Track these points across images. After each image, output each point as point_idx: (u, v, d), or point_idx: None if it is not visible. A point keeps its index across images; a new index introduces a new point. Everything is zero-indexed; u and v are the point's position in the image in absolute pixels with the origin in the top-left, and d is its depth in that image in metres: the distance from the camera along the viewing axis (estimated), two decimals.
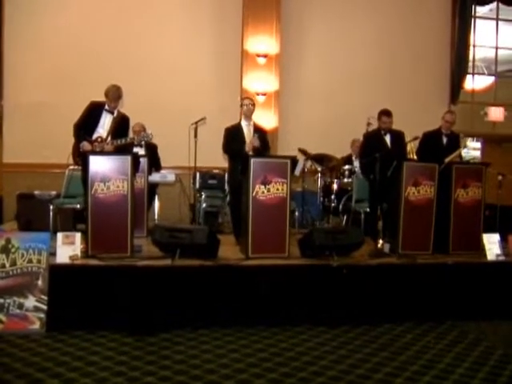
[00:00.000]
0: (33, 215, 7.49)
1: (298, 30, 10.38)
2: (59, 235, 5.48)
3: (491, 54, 12.09)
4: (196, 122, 7.42)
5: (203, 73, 9.91)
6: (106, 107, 6.33)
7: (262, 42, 9.74)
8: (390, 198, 6.71)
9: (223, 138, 7.08)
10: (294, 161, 6.29)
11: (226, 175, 8.18)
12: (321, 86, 10.56)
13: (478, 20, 11.91)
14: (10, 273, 5.16)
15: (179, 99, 9.64)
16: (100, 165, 5.70)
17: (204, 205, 7.98)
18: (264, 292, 5.59)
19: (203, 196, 8.00)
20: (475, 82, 12.03)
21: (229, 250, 6.25)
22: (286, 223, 6.04)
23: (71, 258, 5.41)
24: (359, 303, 5.78)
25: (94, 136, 6.25)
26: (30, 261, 5.19)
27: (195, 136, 7.38)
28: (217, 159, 8.68)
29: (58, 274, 5.28)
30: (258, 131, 7.03)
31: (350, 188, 8.52)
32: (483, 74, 12.21)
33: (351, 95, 10.59)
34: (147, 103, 8.97)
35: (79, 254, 5.47)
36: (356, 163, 8.88)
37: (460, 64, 11.31)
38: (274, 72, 9.83)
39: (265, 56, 9.70)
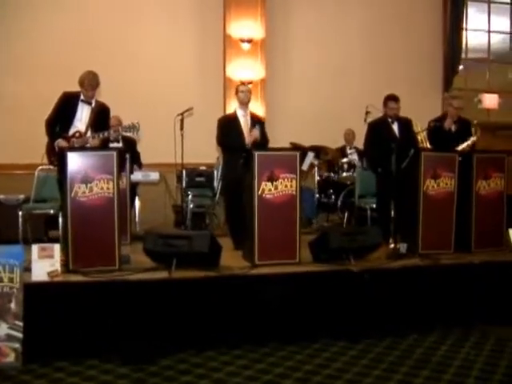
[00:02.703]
0: None
1: (284, 13, 9.61)
2: (34, 248, 4.62)
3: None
4: (182, 113, 6.62)
5: (183, 60, 9.05)
6: (82, 97, 5.49)
7: (246, 27, 8.96)
8: (405, 193, 6.01)
9: (217, 129, 6.30)
10: (303, 153, 5.54)
11: (216, 172, 7.39)
12: (310, 74, 9.79)
13: (470, 3, 11.36)
14: None
15: (159, 90, 8.77)
16: (80, 163, 4.85)
17: (191, 205, 7.15)
18: (276, 304, 4.87)
19: (190, 195, 7.17)
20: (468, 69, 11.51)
21: (228, 257, 5.45)
22: (297, 224, 5.30)
23: (50, 274, 4.57)
24: (382, 312, 5.09)
25: (71, 131, 5.40)
26: (1, 280, 4.36)
27: (181, 128, 6.58)
28: (202, 154, 7.88)
29: (35, 294, 4.44)
30: (257, 121, 6.26)
31: (348, 182, 7.82)
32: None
33: (342, 83, 9.88)
34: (124, 94, 8.07)
35: (59, 269, 4.62)
36: (353, 155, 8.20)
37: (453, 49, 10.74)
38: (260, 59, 9.05)
39: (249, 41, 8.92)
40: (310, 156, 7.47)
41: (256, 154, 5.15)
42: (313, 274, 5.05)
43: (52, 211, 6.20)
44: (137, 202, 7.53)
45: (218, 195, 7.36)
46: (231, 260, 5.39)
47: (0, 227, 6.54)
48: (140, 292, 4.62)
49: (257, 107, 8.75)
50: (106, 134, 5.31)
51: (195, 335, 4.63)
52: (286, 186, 5.22)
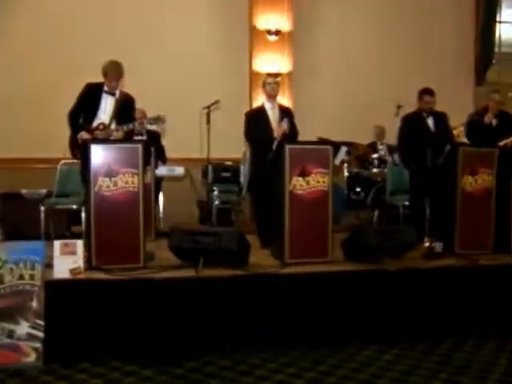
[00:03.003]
0: (20, 218, 6.45)
1: (311, 5, 9.33)
2: (57, 244, 4.43)
3: None
4: (208, 107, 6.41)
5: (209, 52, 8.80)
6: (106, 88, 5.30)
7: (273, 19, 8.70)
8: (441, 190, 5.74)
9: (245, 123, 6.08)
10: (336, 148, 5.30)
11: (242, 167, 7.17)
12: (338, 67, 9.52)
13: None
14: None
15: (183, 82, 8.55)
16: (104, 156, 4.66)
17: (216, 201, 6.94)
18: (307, 305, 4.64)
19: (215, 191, 6.95)
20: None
21: (255, 255, 5.22)
22: (329, 221, 5.06)
23: (72, 271, 4.38)
24: (417, 314, 4.84)
25: (95, 123, 5.22)
26: (22, 277, 4.17)
27: (207, 122, 6.39)
28: (228, 149, 7.66)
29: (57, 292, 4.26)
30: (286, 113, 6.02)
31: (379, 179, 7.55)
32: None
33: (371, 77, 9.57)
34: (148, 87, 7.83)
35: (82, 266, 4.43)
36: (383, 151, 7.93)
37: (486, 43, 10.39)
38: (287, 51, 8.78)
39: (276, 33, 8.66)
40: (343, 151, 7.22)
41: (287, 147, 4.93)
42: (346, 274, 4.82)
43: (75, 206, 6.02)
44: (161, 198, 7.33)
45: (244, 191, 7.13)
46: (259, 258, 5.18)
47: (21, 222, 6.39)
48: (166, 291, 4.42)
49: (283, 101, 8.46)
50: (130, 126, 5.13)
51: (223, 336, 4.42)
52: (318, 181, 4.99)
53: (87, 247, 4.66)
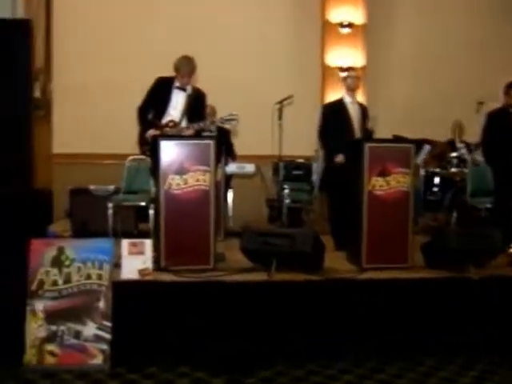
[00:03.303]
0: (88, 215, 6.36)
1: None
2: (125, 243, 4.28)
3: None
4: (281, 102, 6.15)
5: (279, 46, 8.51)
6: (177, 83, 5.12)
7: (346, 11, 8.34)
8: None
9: (321, 118, 5.83)
10: (418, 146, 4.97)
11: (314, 165, 6.89)
12: (414, 61, 9.03)
13: None
14: (64, 292, 4.02)
15: (253, 77, 8.30)
16: (174, 153, 4.49)
17: (287, 200, 6.67)
18: (385, 313, 4.33)
19: (286, 189, 6.69)
20: None
21: (329, 258, 4.94)
22: (409, 224, 4.75)
23: (141, 272, 4.22)
24: (505, 325, 4.45)
25: (165, 120, 5.05)
26: (89, 276, 4.04)
27: (279, 118, 6.13)
28: (298, 146, 7.38)
29: (125, 293, 4.11)
30: (364, 112, 5.75)
31: (458, 179, 7.13)
32: None
33: (447, 71, 9.02)
34: (218, 82, 7.61)
35: (151, 267, 4.26)
36: (463, 149, 7.49)
37: None
38: (360, 45, 8.42)
39: (349, 26, 8.30)
40: (426, 149, 6.84)
41: (367, 145, 4.63)
42: (428, 281, 4.49)
43: (143, 203, 5.88)
44: (230, 196, 7.13)
45: (316, 190, 6.85)
46: (334, 262, 4.91)
47: (89, 219, 6.30)
48: (237, 295, 4.21)
49: (357, 96, 8.15)
50: (201, 124, 4.94)
51: (296, 344, 4.16)
52: (398, 181, 4.69)
53: (155, 247, 4.49)
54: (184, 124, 5.02)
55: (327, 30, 8.40)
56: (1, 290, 4.11)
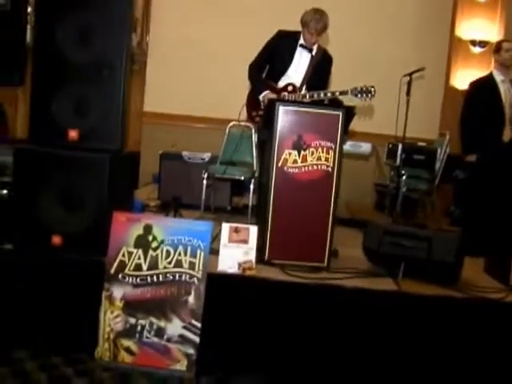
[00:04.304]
0: (178, 183, 5.67)
1: None
2: (225, 228, 3.52)
3: None
4: (410, 74, 5.21)
5: (404, 13, 7.42)
6: (302, 41, 4.27)
7: None
8: None
9: (466, 97, 4.85)
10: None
11: (439, 150, 5.91)
12: None
13: None
14: (148, 279, 3.33)
15: (375, 45, 7.29)
16: (294, 122, 3.64)
17: (404, 188, 5.75)
18: None
19: (404, 176, 5.74)
20: None
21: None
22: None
23: (243, 265, 3.44)
24: None
25: (282, 83, 4.23)
26: (179, 264, 3.32)
27: (407, 93, 5.20)
28: (420, 127, 6.40)
29: (221, 288, 3.38)
30: None
31: None
32: None
33: None
34: (339, 48, 6.66)
35: (254, 260, 3.49)
36: None
37: None
38: (499, 14, 7.29)
39: None
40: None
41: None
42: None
43: (243, 178, 5.12)
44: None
45: (437, 180, 5.90)
46: (469, 273, 3.96)
47: (179, 188, 5.61)
48: (356, 303, 3.38)
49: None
50: (328, 94, 4.07)
51: (421, 371, 3.32)
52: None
53: (259, 234, 3.70)
54: (304, 91, 4.17)
55: None
56: (77, 269, 3.46)
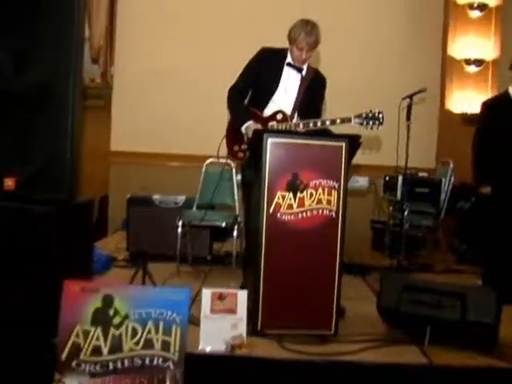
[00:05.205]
0: (150, 232, 4.94)
1: None
2: (207, 295, 2.78)
3: None
4: (410, 96, 4.58)
5: (394, 30, 6.79)
6: (289, 60, 3.59)
7: None
8: None
9: (479, 120, 4.23)
10: None
11: (443, 181, 5.25)
12: None
13: None
14: (111, 366, 2.63)
15: (362, 71, 6.57)
16: (287, 157, 2.94)
17: (407, 225, 5.05)
18: None
19: (406, 211, 5.05)
20: None
21: None
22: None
23: (232, 343, 2.69)
24: None
25: (269, 110, 3.53)
26: (149, 344, 2.60)
27: (408, 118, 4.55)
28: (417, 156, 5.71)
29: (204, 374, 2.64)
30: None
31: None
32: None
33: None
34: (333, 76, 6.00)
35: (245, 334, 2.74)
36: None
37: None
38: (494, 32, 6.71)
39: (480, 8, 6.60)
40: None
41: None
42: None
43: (224, 224, 4.41)
44: None
45: (442, 214, 5.23)
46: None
47: (152, 237, 4.88)
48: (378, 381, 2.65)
49: (486, 95, 6.49)
50: (319, 123, 3.36)
51: None
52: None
53: (250, 298, 2.96)
54: (296, 120, 3.47)
55: (453, 14, 6.70)
56: (21, 356, 2.72)
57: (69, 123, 2.80)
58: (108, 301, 2.65)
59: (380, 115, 3.32)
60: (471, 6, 6.66)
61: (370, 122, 3.33)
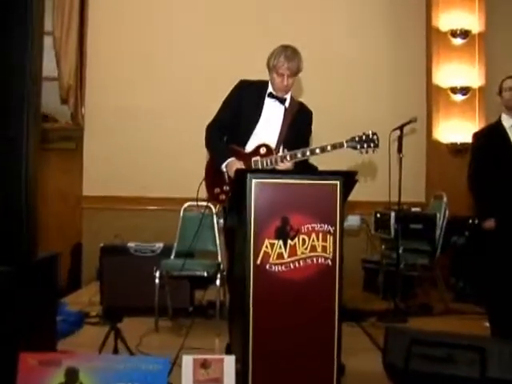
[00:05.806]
0: (126, 283, 4.56)
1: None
2: (188, 362, 2.40)
3: None
4: (401, 127, 4.30)
5: (375, 58, 6.56)
6: (271, 90, 3.28)
7: (459, 16, 6.47)
8: None
9: (471, 151, 3.97)
10: None
11: (438, 216, 4.95)
12: None
13: None
14: None
15: (346, 102, 6.33)
16: (275, 199, 2.59)
17: (402, 264, 4.72)
18: None
19: (400, 249, 4.72)
20: None
21: None
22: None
23: None
24: None
25: (252, 144, 3.21)
26: None
27: (399, 150, 4.27)
28: (407, 191, 5.42)
29: None
30: None
31: None
32: None
33: None
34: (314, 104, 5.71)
35: None
36: None
37: None
38: (478, 59, 6.50)
39: (463, 35, 6.40)
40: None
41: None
42: None
43: (205, 274, 4.06)
44: None
45: (438, 252, 4.92)
46: None
47: (127, 288, 4.52)
48: None
49: (473, 125, 6.26)
50: (308, 152, 3.05)
51: None
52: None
53: (238, 362, 2.58)
54: (282, 153, 3.15)
55: (435, 41, 6.51)
56: None
57: (22, 171, 2.44)
58: (72, 375, 2.28)
59: (375, 137, 3.04)
60: (454, 33, 6.47)
61: (365, 145, 3.03)
